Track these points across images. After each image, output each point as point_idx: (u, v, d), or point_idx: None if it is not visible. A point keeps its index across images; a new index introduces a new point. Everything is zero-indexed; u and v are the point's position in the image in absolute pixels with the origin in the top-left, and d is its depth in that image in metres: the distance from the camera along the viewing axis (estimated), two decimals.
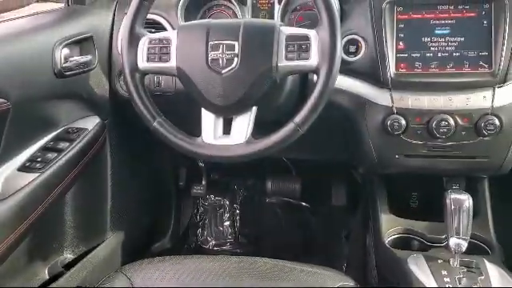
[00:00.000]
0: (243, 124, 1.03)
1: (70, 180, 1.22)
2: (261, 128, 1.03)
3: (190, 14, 1.34)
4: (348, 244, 1.85)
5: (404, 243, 1.22)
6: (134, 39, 1.05)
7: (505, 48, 1.06)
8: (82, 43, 1.26)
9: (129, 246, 1.57)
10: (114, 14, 1.38)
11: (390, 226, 1.25)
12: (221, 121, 1.05)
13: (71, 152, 1.21)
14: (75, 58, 1.23)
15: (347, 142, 1.29)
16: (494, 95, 1.08)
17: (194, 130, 1.06)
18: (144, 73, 1.07)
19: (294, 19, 1.34)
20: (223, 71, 1.01)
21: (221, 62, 1.01)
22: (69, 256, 1.40)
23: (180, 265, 1.05)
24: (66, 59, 1.19)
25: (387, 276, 1.23)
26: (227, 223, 2.06)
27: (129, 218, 1.58)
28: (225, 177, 2.07)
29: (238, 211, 2.07)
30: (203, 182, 1.97)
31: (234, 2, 1.33)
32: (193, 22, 1.14)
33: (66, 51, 1.19)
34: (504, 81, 1.08)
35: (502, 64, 1.07)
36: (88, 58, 1.27)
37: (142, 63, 1.05)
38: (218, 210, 2.07)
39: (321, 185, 1.96)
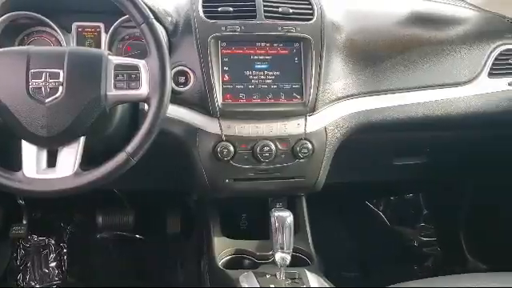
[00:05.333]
0: (70, 155, 0.99)
1: None
2: (91, 159, 1.00)
3: (6, 39, 1.23)
4: (183, 270, 1.87)
5: (236, 263, 1.28)
6: None
7: (312, 81, 1.21)
8: None
9: None
10: None
11: (223, 248, 1.29)
12: (44, 153, 0.99)
13: None
14: None
15: (180, 168, 1.32)
16: (306, 122, 1.22)
17: (13, 163, 0.98)
18: None
19: (122, 49, 1.33)
20: (46, 100, 0.96)
21: (44, 90, 0.96)
22: None
23: None
24: None
25: None
26: (53, 264, 1.91)
27: None
28: (49, 214, 1.93)
29: (65, 250, 1.93)
30: (24, 222, 1.81)
31: (57, 29, 1.26)
32: (10, 48, 1.06)
33: None
34: (313, 110, 1.22)
35: (311, 95, 1.21)
36: None
37: None
38: (42, 250, 1.91)
39: (155, 214, 1.95)
